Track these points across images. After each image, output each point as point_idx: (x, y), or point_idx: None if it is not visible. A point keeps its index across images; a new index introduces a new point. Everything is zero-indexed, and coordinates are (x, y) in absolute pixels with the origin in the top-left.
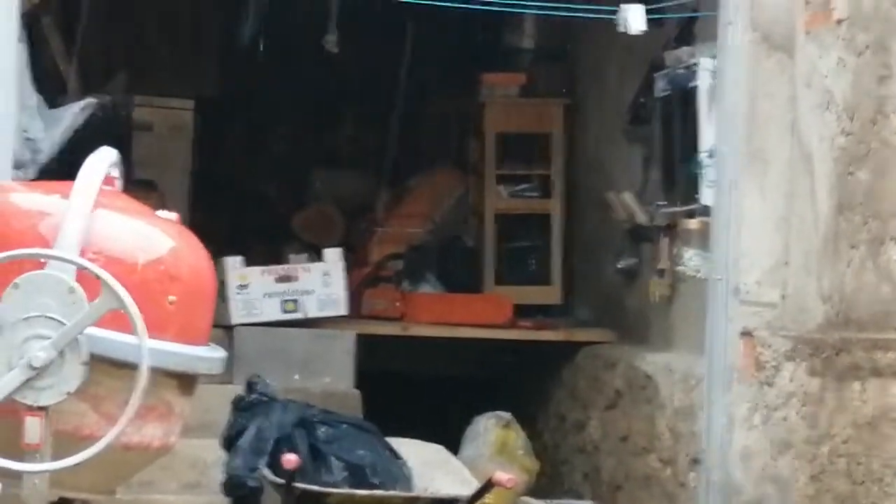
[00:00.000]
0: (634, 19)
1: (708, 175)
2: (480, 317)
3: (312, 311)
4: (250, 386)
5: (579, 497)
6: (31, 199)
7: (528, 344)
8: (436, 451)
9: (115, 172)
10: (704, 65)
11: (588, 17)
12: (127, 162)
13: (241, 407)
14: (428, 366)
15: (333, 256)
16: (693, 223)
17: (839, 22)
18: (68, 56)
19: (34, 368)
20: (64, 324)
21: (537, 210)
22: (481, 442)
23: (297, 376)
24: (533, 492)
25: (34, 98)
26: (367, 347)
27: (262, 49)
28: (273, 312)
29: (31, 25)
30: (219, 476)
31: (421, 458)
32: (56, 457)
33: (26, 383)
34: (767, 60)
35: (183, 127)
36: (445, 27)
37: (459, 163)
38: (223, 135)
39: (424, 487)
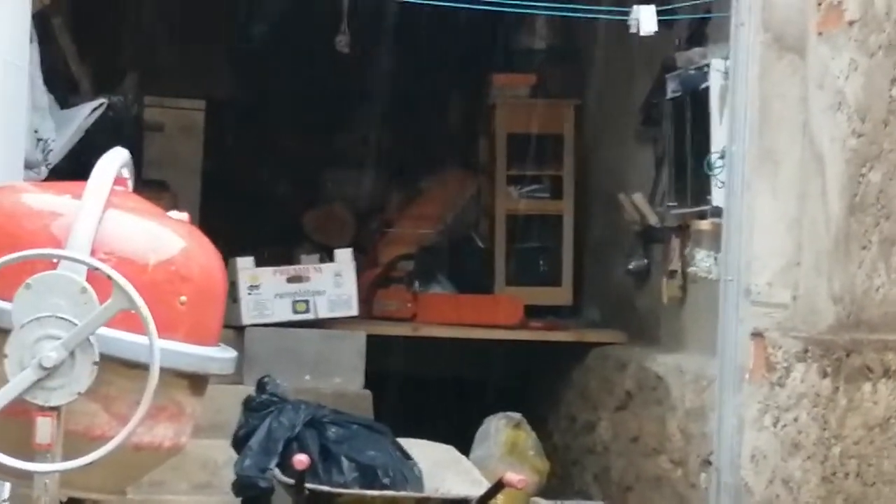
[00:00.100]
0: (646, 20)
1: (719, 176)
2: (491, 318)
3: (323, 312)
4: (261, 386)
5: (589, 498)
6: (42, 199)
7: (538, 345)
8: (446, 451)
9: (127, 173)
10: (716, 66)
11: (599, 18)
12: (138, 162)
13: (252, 407)
14: (439, 366)
15: (344, 257)
16: (704, 224)
17: (851, 23)
18: (80, 56)
19: (45, 369)
20: (75, 324)
21: (548, 211)
22: (492, 442)
23: (307, 377)
24: (543, 492)
25: (46, 98)
26: (378, 348)
27: (272, 50)
28: (284, 313)
29: (43, 26)
30: (229, 476)
31: (431, 458)
32: (67, 457)
33: (37, 383)
34: (779, 61)
35: (194, 127)
36: (456, 28)
37: (470, 164)
38: (234, 135)
39: (435, 488)
